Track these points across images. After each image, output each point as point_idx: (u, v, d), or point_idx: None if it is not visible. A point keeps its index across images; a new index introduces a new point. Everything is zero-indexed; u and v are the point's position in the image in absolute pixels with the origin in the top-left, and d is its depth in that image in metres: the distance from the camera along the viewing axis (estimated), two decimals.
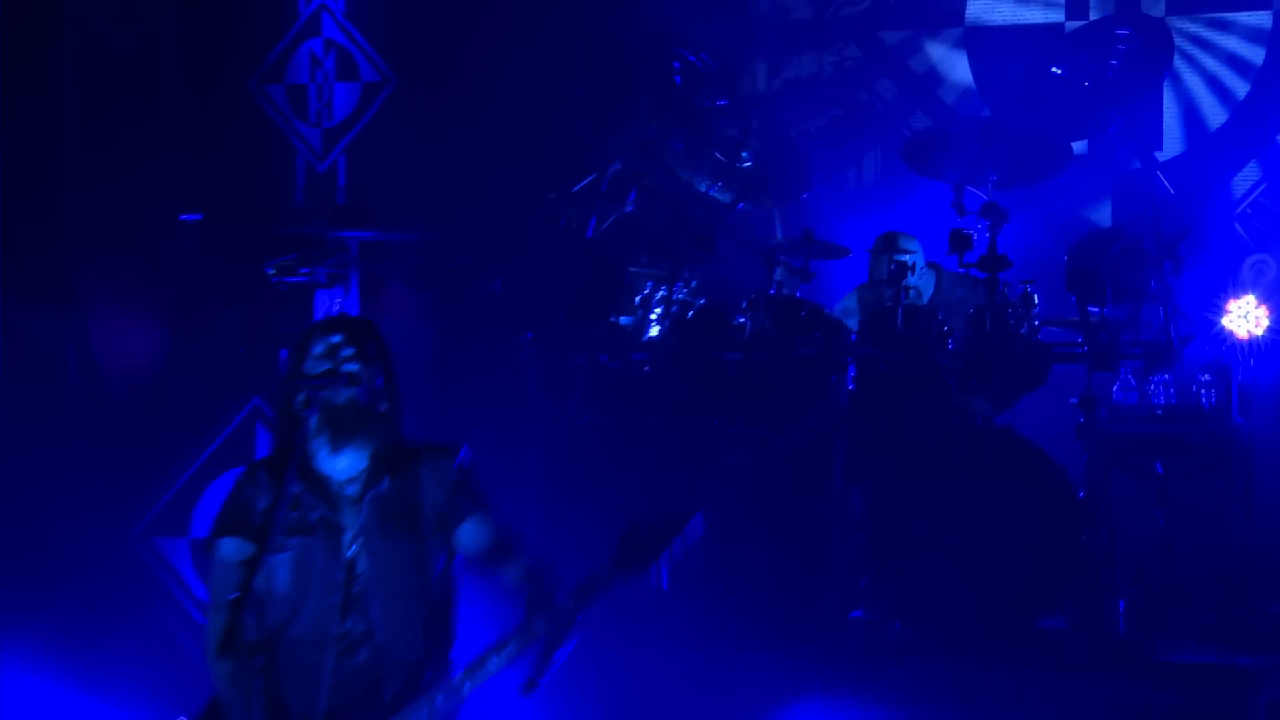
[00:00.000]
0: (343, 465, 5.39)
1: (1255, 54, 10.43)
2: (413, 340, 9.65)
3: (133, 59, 10.39)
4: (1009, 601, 8.17)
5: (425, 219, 10.00)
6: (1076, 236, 8.82)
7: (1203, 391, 8.53)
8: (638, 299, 9.03)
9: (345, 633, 5.31)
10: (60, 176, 10.05)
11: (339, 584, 5.31)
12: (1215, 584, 8.56)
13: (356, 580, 5.32)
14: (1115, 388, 8.57)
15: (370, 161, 10.52)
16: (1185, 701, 7.73)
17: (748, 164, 9.33)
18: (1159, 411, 8.54)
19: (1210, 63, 10.46)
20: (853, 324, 8.97)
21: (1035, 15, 10.71)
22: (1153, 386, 8.54)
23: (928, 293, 9.26)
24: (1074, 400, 8.45)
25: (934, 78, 10.91)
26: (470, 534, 5.44)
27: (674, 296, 8.93)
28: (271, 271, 9.56)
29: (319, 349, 5.38)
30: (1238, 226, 10.22)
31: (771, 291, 8.75)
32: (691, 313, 8.91)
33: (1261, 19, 10.40)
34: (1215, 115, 10.49)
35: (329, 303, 9.69)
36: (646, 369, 8.83)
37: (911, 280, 8.84)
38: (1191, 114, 10.50)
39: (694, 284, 9.04)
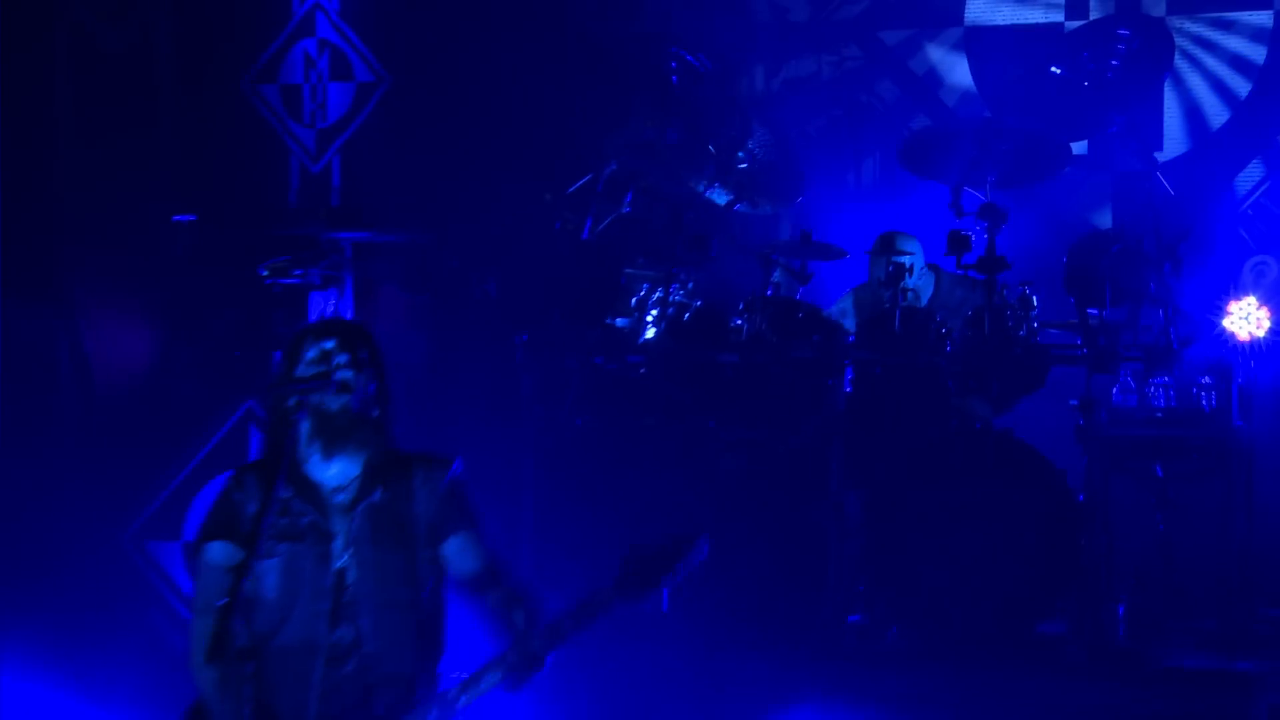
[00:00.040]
0: (334, 472, 5.37)
1: (1257, 53, 10.41)
2: (407, 342, 9.66)
3: (126, 58, 10.37)
4: (1007, 606, 8.16)
5: (420, 220, 9.98)
6: (1075, 238, 8.81)
7: (1203, 394, 8.55)
8: (634, 301, 9.02)
9: (334, 642, 5.27)
10: (52, 176, 10.02)
11: (328, 591, 5.28)
12: (1216, 588, 8.55)
13: (346, 590, 5.29)
14: (1115, 390, 8.59)
15: (365, 162, 10.48)
16: (1185, 707, 7.70)
17: (744, 165, 9.29)
18: (1159, 414, 8.56)
19: (1212, 63, 10.46)
20: (849, 325, 8.93)
21: (1036, 15, 10.67)
22: (1152, 389, 8.55)
23: (927, 294, 9.23)
24: (1073, 403, 8.43)
25: (934, 79, 10.89)
26: (456, 552, 5.42)
27: (670, 298, 8.91)
28: (265, 273, 9.56)
29: (312, 354, 5.35)
30: (1240, 229, 10.17)
31: (768, 293, 8.71)
32: (688, 315, 8.89)
33: (1263, 18, 10.37)
34: (1217, 115, 10.49)
35: (323, 304, 9.68)
36: (642, 371, 8.81)
37: (910, 282, 8.83)
38: (1193, 114, 10.50)
39: (690, 286, 9.03)
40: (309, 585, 5.27)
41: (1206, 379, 8.54)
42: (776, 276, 8.91)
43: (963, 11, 10.84)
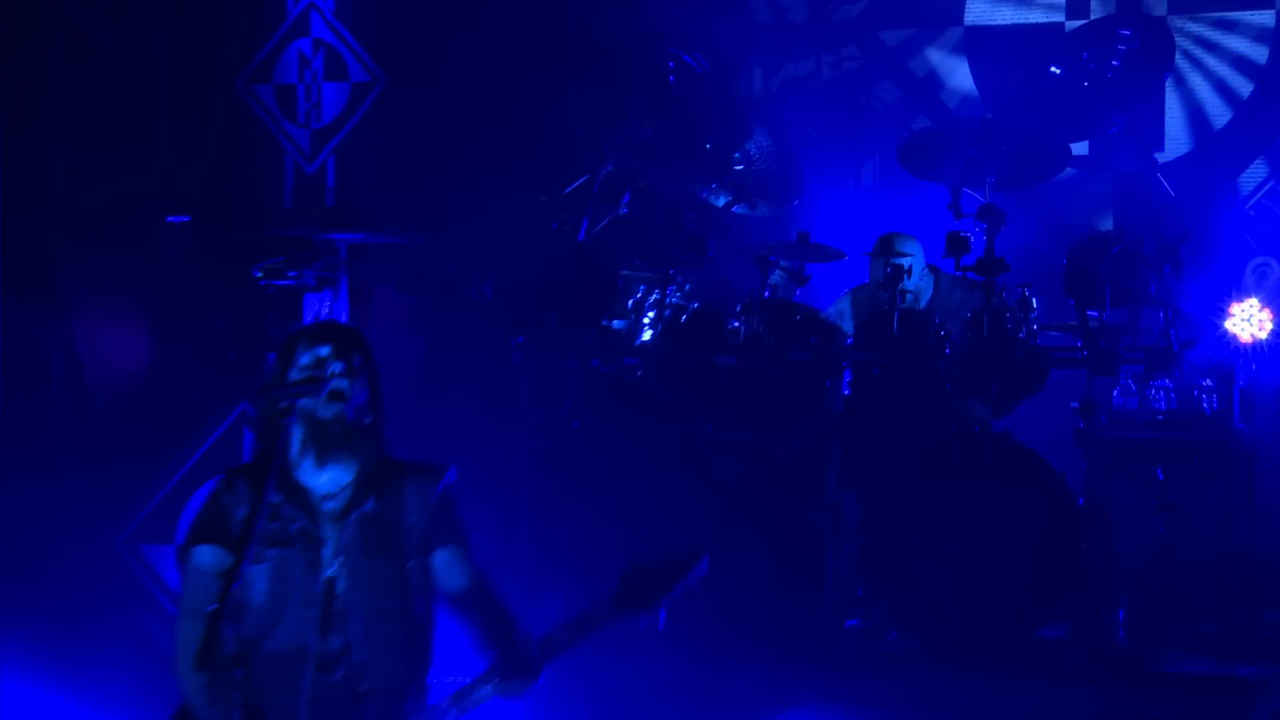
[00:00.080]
0: (325, 479, 5.33)
1: (1259, 53, 10.39)
2: (403, 344, 9.65)
3: (121, 58, 10.36)
4: (1007, 610, 8.14)
5: (415, 221, 9.94)
6: (1075, 239, 8.79)
7: (1204, 396, 8.55)
8: (630, 302, 8.99)
9: (324, 649, 5.23)
10: (47, 176, 10.04)
11: (317, 598, 5.24)
12: (1216, 593, 8.54)
13: (336, 598, 5.26)
14: (1115, 393, 8.61)
15: (360, 163, 10.47)
16: (1186, 713, 7.70)
17: (741, 166, 9.26)
18: (1160, 417, 8.57)
19: (1214, 63, 10.42)
20: (847, 327, 8.91)
21: (1036, 15, 10.65)
22: (1153, 391, 8.57)
23: (927, 296, 9.21)
24: (1074, 405, 8.43)
25: (935, 82, 10.86)
26: (442, 566, 5.39)
27: (667, 300, 8.89)
28: (259, 274, 9.55)
29: (306, 359, 5.32)
30: (1243, 230, 10.15)
31: (766, 295, 8.69)
32: (685, 317, 8.87)
33: (1265, 18, 10.35)
34: (1219, 115, 10.47)
35: (318, 306, 9.67)
36: (639, 373, 8.80)
37: (909, 283, 8.81)
38: (1196, 114, 10.49)
39: (687, 287, 9.01)
40: (298, 591, 5.23)
41: (1208, 381, 8.55)
42: (774, 278, 8.88)
43: (963, 12, 10.80)
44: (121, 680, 8.65)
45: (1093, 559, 8.20)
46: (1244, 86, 10.44)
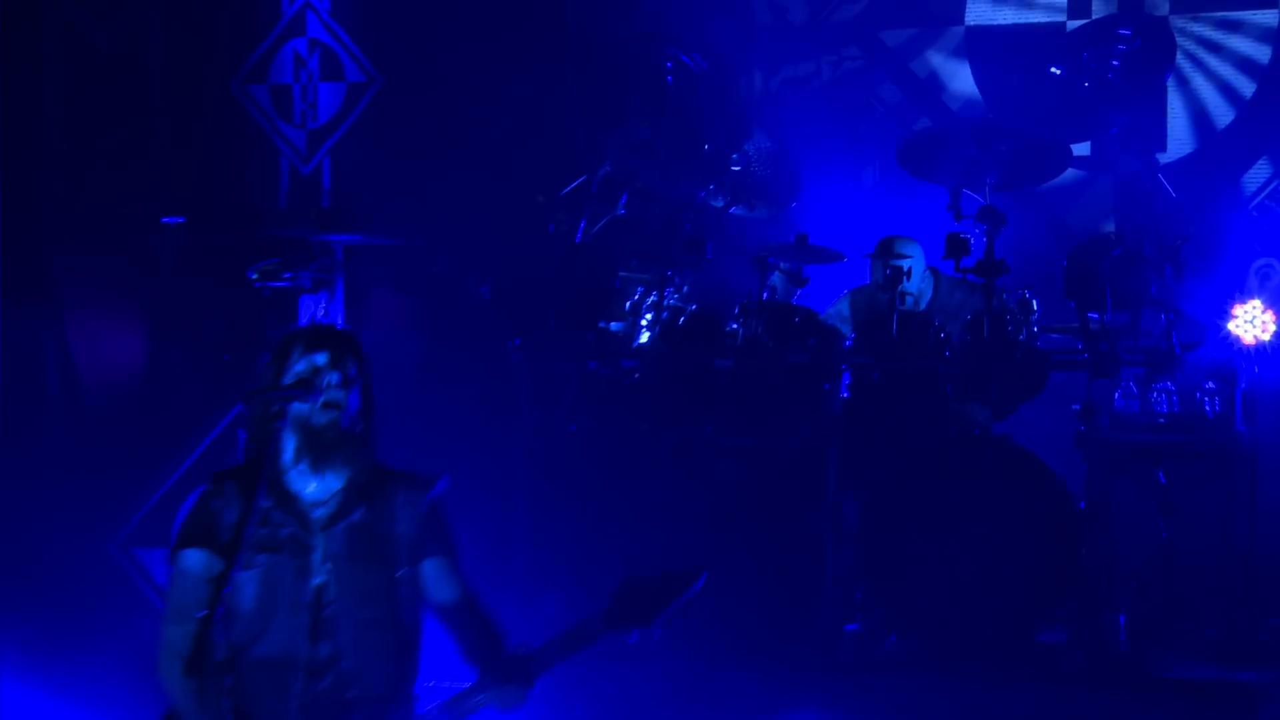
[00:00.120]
0: (316, 487, 5.32)
1: (1262, 53, 10.37)
2: (399, 346, 9.66)
3: (116, 58, 10.38)
4: (1007, 614, 8.11)
5: (412, 222, 9.96)
6: (1076, 240, 8.79)
7: (1206, 399, 8.53)
8: (628, 304, 8.94)
9: (312, 656, 5.21)
10: (41, 176, 10.05)
11: (306, 605, 5.23)
12: (1218, 597, 8.51)
13: (325, 606, 5.23)
14: (1117, 395, 8.59)
15: (356, 163, 10.49)
16: (1187, 718, 7.68)
17: (738, 167, 9.23)
18: (1161, 419, 8.53)
19: (1216, 63, 10.40)
20: (845, 329, 8.90)
21: (1037, 15, 10.62)
22: (1155, 394, 8.56)
23: (927, 298, 9.17)
24: (1075, 408, 8.42)
25: (936, 84, 10.83)
26: (430, 577, 5.37)
27: (665, 302, 8.86)
28: (255, 276, 9.54)
29: (301, 366, 5.29)
30: (1246, 230, 10.12)
31: (764, 297, 8.66)
32: (683, 319, 8.84)
33: (1268, 17, 10.35)
34: (1223, 115, 10.45)
35: (314, 307, 9.66)
36: (637, 376, 8.78)
37: (909, 285, 8.78)
38: (1198, 114, 10.45)
39: (685, 289, 8.98)
40: (287, 598, 5.21)
41: (1210, 383, 8.53)
42: (773, 280, 8.85)
43: (963, 12, 10.78)
44: (116, 682, 8.65)
45: (1094, 562, 8.18)
46: (1247, 86, 10.41)
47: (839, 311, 9.29)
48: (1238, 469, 8.46)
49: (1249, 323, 8.62)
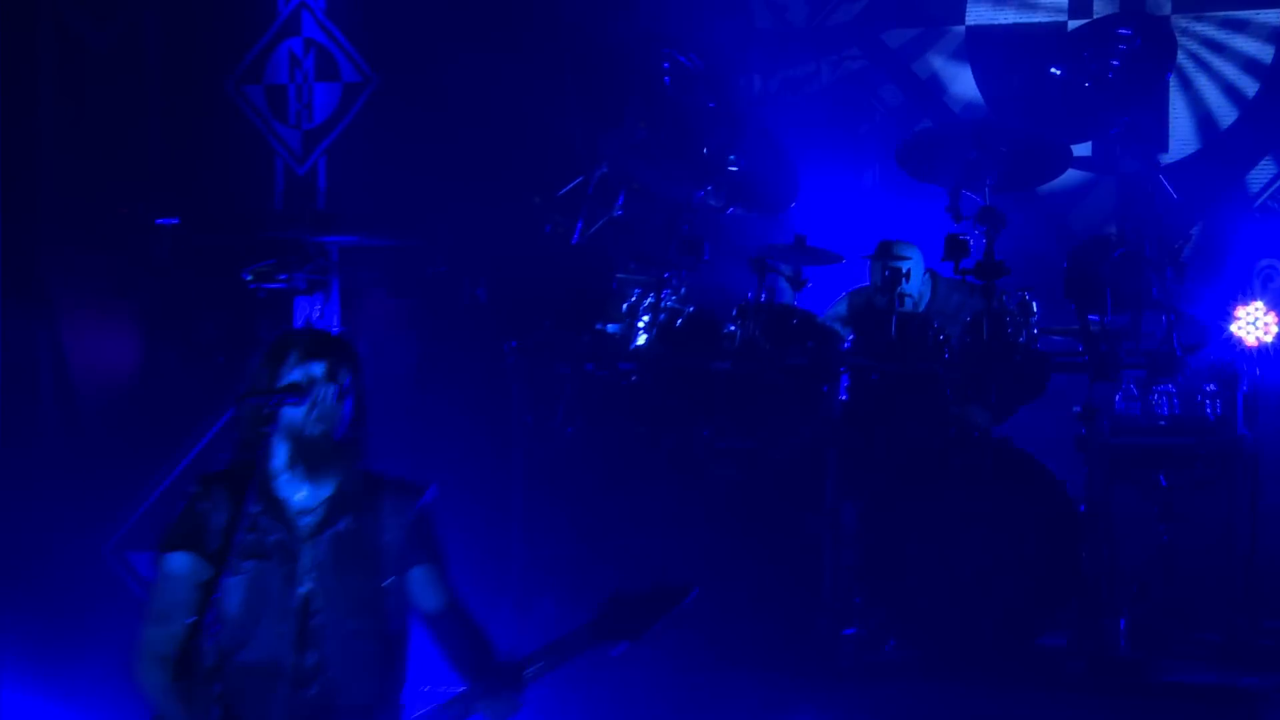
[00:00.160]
0: (304, 494, 5.28)
1: (1265, 53, 10.37)
2: (395, 348, 9.63)
3: (111, 57, 10.37)
4: (1007, 619, 8.09)
5: (407, 223, 9.95)
6: (1076, 242, 8.76)
7: (1207, 401, 8.52)
8: (625, 306, 8.94)
9: (299, 664, 5.18)
10: (36, 177, 10.03)
11: (292, 612, 5.19)
12: (1220, 601, 8.49)
13: (312, 614, 5.20)
14: (1117, 398, 8.57)
15: (351, 164, 10.50)
16: None
17: (735, 168, 9.20)
18: (1162, 422, 8.52)
19: (1220, 63, 10.39)
20: (844, 331, 8.86)
21: (1038, 15, 10.60)
22: (1156, 396, 8.56)
23: (926, 299, 9.15)
24: (1076, 410, 8.39)
25: (937, 85, 10.81)
26: (416, 584, 5.33)
27: (662, 304, 8.83)
28: (250, 277, 9.53)
29: (297, 375, 5.25)
30: (1250, 231, 10.10)
31: (762, 299, 8.62)
32: (680, 320, 8.80)
33: (1271, 17, 10.37)
34: (1226, 114, 10.45)
35: (309, 309, 9.63)
36: (634, 378, 8.75)
37: (908, 287, 8.75)
38: (1201, 113, 10.43)
39: (683, 291, 8.96)
40: (273, 605, 5.17)
41: (1211, 386, 8.50)
42: (771, 282, 8.80)
43: (964, 12, 10.75)
44: (109, 686, 8.59)
45: (1094, 566, 8.15)
46: (1250, 86, 10.40)
47: (837, 313, 9.27)
48: (1239, 472, 8.43)
49: (1251, 324, 8.61)
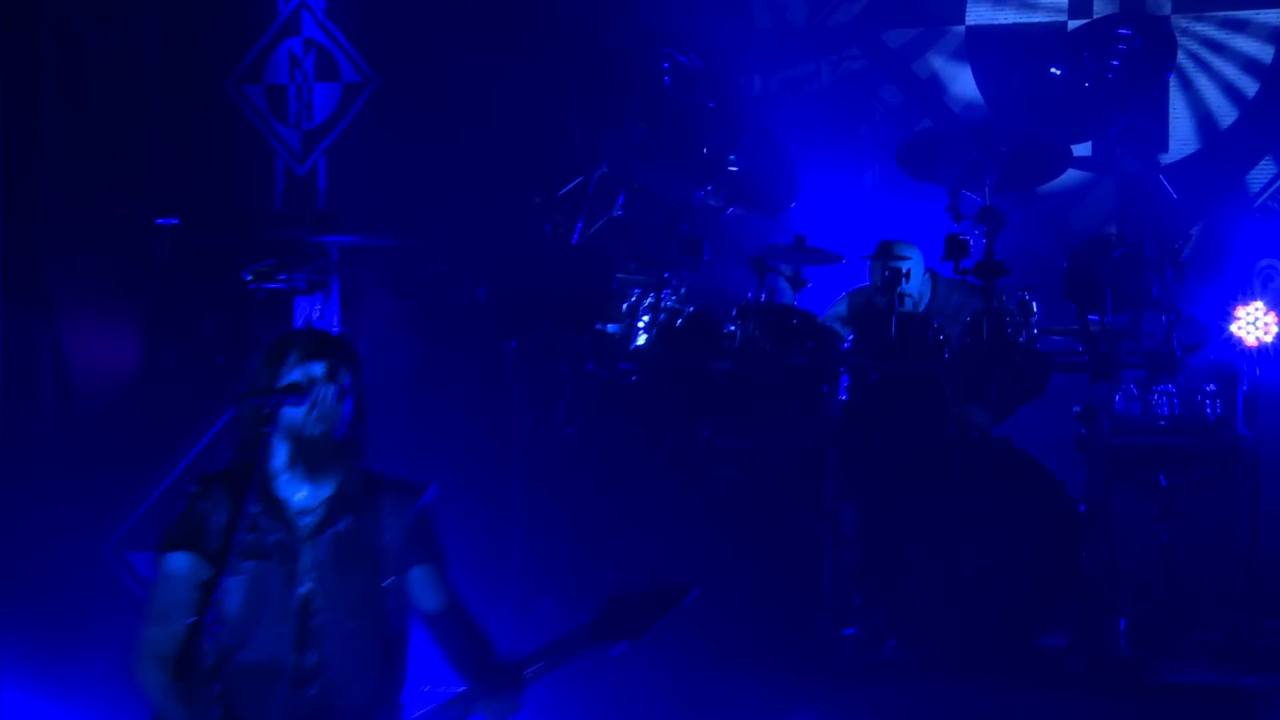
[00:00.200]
0: (304, 494, 5.28)
1: (1265, 53, 10.37)
2: (395, 348, 9.62)
3: (111, 57, 10.35)
4: (1007, 619, 8.08)
5: (407, 223, 9.94)
6: (1076, 242, 8.75)
7: (1207, 402, 8.51)
8: (625, 306, 8.93)
9: (299, 664, 5.17)
10: (36, 177, 10.00)
11: (292, 612, 5.19)
12: (1220, 601, 8.48)
13: (312, 615, 5.20)
14: (1117, 398, 8.56)
15: (351, 164, 10.48)
16: None
17: (735, 168, 9.20)
18: (1162, 422, 8.51)
19: (1220, 63, 10.38)
20: (844, 331, 8.86)
21: (1038, 15, 10.60)
22: (1156, 396, 8.54)
23: (925, 299, 9.13)
24: (1076, 410, 8.38)
25: (937, 84, 10.81)
26: (416, 584, 5.33)
27: (662, 304, 8.82)
28: (249, 277, 9.52)
29: (297, 375, 5.25)
30: (1250, 231, 10.09)
31: (762, 299, 8.61)
32: (680, 320, 8.79)
33: (1271, 17, 10.37)
34: (1226, 114, 10.44)
35: (309, 309, 9.62)
36: (634, 378, 8.74)
37: (908, 287, 8.74)
38: (1202, 113, 10.41)
39: (683, 291, 8.95)
40: (274, 605, 5.17)
41: (1211, 386, 8.49)
42: (771, 282, 8.79)
43: (963, 12, 10.74)
44: (109, 686, 8.59)
45: (1094, 566, 8.14)
46: (1250, 86, 10.39)
47: (837, 313, 9.26)
48: (1239, 472, 8.42)
49: (1251, 324, 8.60)
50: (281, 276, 9.56)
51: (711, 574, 8.18)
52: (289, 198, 10.52)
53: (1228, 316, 8.63)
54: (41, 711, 8.81)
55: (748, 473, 8.46)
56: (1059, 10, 10.59)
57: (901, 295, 8.58)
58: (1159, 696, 7.81)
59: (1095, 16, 10.35)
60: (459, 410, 9.17)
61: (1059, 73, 8.98)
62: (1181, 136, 10.44)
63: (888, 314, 8.45)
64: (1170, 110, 10.44)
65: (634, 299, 8.88)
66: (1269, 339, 8.59)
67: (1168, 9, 10.39)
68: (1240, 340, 8.58)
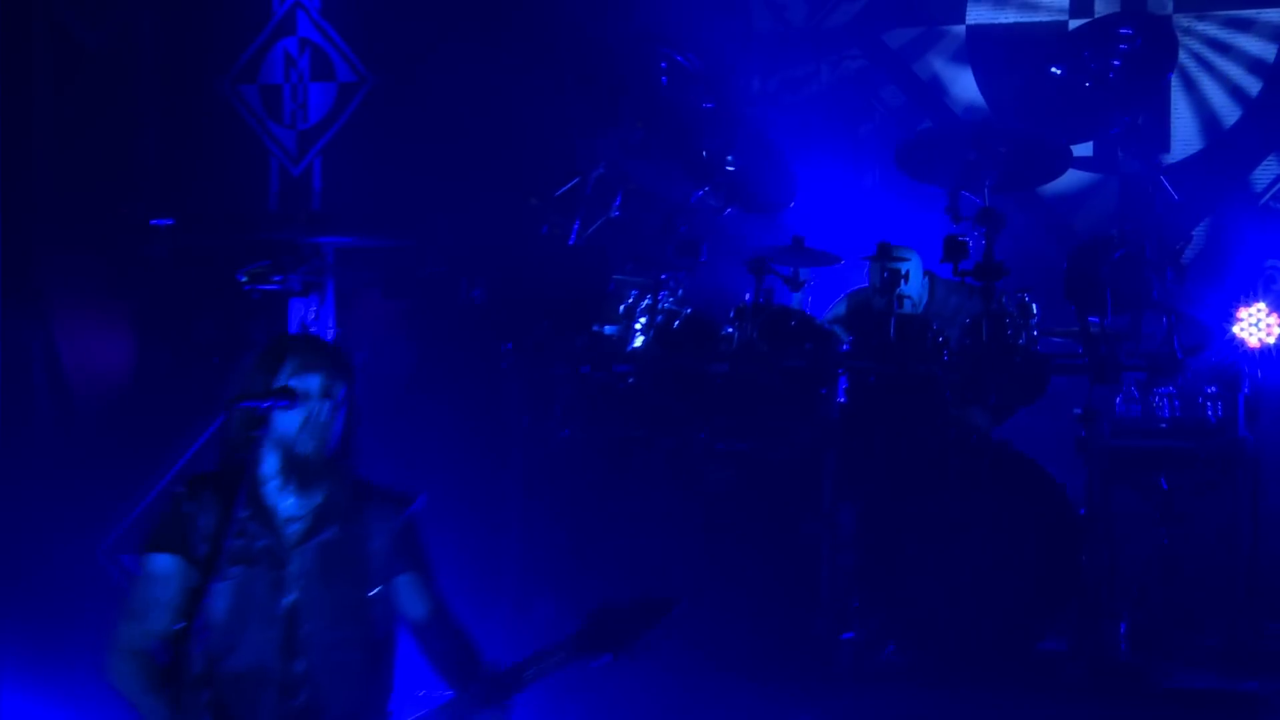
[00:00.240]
0: (292, 502, 5.25)
1: (1268, 51, 10.37)
2: (390, 350, 9.61)
3: (105, 57, 10.33)
4: (1006, 623, 8.08)
5: (403, 224, 9.94)
6: (1076, 243, 8.74)
7: (1208, 404, 8.51)
8: (622, 308, 8.92)
9: (286, 672, 5.15)
10: (30, 177, 9.98)
11: (279, 620, 5.17)
12: (1221, 605, 8.49)
13: (299, 623, 5.18)
14: (1118, 400, 8.58)
15: (347, 165, 10.46)
16: None
17: (732, 169, 9.17)
18: (1163, 425, 8.52)
19: (1223, 63, 10.36)
20: (842, 333, 8.84)
21: (1039, 15, 10.58)
22: (1156, 399, 8.56)
23: (924, 301, 9.11)
24: (1076, 412, 8.36)
25: (938, 85, 10.79)
26: (403, 592, 5.31)
27: (659, 305, 8.82)
28: (244, 278, 9.50)
29: (294, 385, 5.20)
30: (1253, 231, 10.07)
31: (760, 300, 8.60)
32: (677, 322, 8.78)
33: (1274, 16, 10.36)
34: (1229, 113, 10.43)
35: (304, 311, 9.60)
36: (631, 380, 8.73)
37: (907, 289, 8.71)
38: (1204, 112, 10.38)
39: (680, 292, 8.95)
40: (260, 611, 5.15)
41: (1212, 388, 8.48)
42: (769, 284, 8.76)
43: (964, 12, 10.71)
44: (102, 689, 8.56)
45: (1094, 570, 8.12)
46: (1253, 85, 10.38)
47: (836, 315, 9.25)
48: (1240, 475, 8.42)
49: (1254, 326, 8.59)
50: (276, 277, 9.55)
51: (709, 577, 8.20)
52: (284, 198, 10.50)
53: (1231, 318, 8.62)
54: (40, 712, 8.79)
55: (745, 475, 8.43)
56: (1060, 10, 10.60)
57: (900, 297, 8.55)
58: (1160, 701, 7.79)
59: (1096, 16, 10.34)
60: (455, 412, 9.18)
61: (1060, 72, 8.96)
62: (1185, 136, 10.44)
63: (886, 316, 8.42)
64: (1173, 110, 10.43)
65: (631, 300, 8.87)
66: (1271, 340, 8.59)
67: (1169, 8, 10.39)
68: (1242, 342, 8.57)
